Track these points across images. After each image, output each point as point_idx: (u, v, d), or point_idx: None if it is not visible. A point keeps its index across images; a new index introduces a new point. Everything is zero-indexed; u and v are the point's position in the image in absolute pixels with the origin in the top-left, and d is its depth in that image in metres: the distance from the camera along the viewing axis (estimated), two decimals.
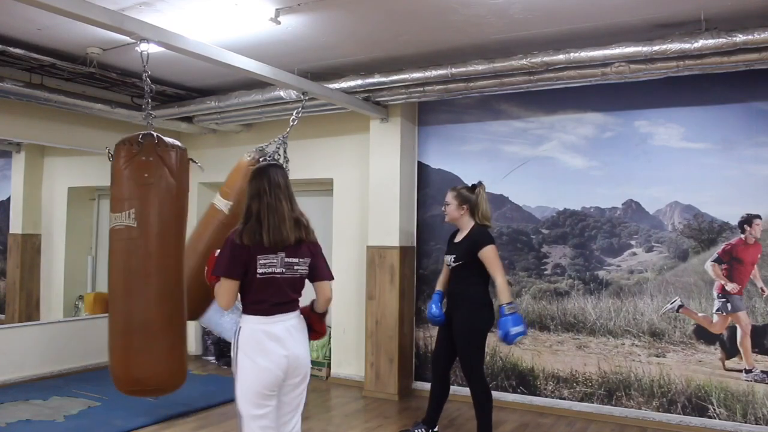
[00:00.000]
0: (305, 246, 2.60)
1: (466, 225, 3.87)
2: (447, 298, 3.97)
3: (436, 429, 3.97)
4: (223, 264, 2.49)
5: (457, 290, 3.86)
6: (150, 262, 2.78)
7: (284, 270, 2.53)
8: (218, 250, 2.57)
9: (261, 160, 3.63)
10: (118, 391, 2.85)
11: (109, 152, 2.89)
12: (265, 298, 2.51)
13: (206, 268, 2.61)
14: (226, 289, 2.48)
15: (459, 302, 3.84)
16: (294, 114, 4.17)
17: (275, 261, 2.50)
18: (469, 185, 3.96)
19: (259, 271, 2.47)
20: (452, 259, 3.85)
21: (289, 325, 2.55)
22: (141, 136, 2.83)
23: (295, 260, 2.56)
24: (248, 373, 2.49)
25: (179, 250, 2.91)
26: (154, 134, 2.86)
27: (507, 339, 3.58)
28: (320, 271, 2.68)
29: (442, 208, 3.99)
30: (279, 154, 3.92)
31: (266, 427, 2.52)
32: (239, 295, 2.54)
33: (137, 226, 2.76)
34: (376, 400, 4.99)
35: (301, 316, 2.66)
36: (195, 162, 3.07)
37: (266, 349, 2.48)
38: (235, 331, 2.55)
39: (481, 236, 3.78)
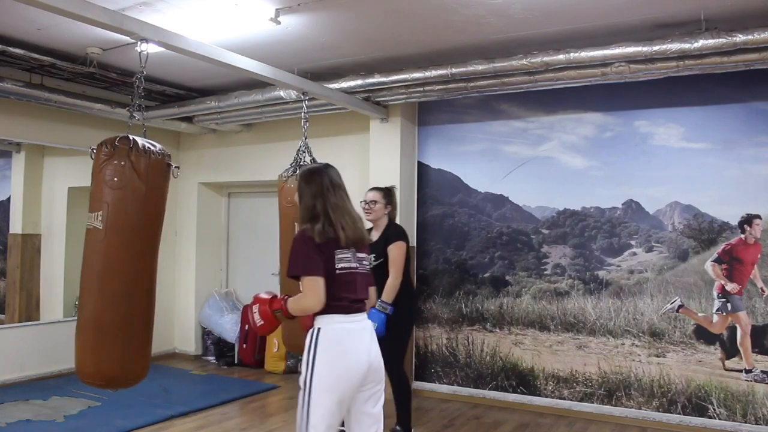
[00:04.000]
0: (366, 244, 2.54)
1: (382, 224, 3.95)
2: None
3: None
4: (301, 262, 2.32)
5: (380, 292, 3.80)
6: (109, 264, 2.81)
7: (358, 265, 2.43)
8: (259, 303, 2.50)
9: (296, 168, 3.78)
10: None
11: (92, 151, 2.92)
12: (345, 294, 2.36)
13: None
14: (310, 287, 2.29)
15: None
16: (303, 117, 4.18)
17: (349, 256, 2.40)
18: (385, 187, 4.05)
19: (338, 266, 2.35)
20: (373, 258, 3.77)
21: (365, 326, 2.43)
22: (118, 140, 2.85)
23: (364, 255, 2.49)
24: (327, 378, 2.28)
25: (147, 255, 2.93)
26: (131, 138, 2.87)
27: None
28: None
29: (365, 206, 3.92)
30: (307, 161, 4.01)
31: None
32: None
33: (102, 229, 2.79)
34: None
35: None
36: (174, 166, 3.04)
37: (347, 350, 2.31)
38: (311, 334, 2.36)
39: (394, 231, 3.88)
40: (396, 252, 3.79)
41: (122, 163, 2.81)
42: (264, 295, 2.53)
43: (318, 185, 2.45)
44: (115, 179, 2.81)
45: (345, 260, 2.37)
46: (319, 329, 2.34)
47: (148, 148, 2.89)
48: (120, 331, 2.80)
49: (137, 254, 2.87)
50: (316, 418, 2.26)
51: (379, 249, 3.82)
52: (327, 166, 2.57)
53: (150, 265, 2.94)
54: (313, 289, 2.29)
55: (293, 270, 2.34)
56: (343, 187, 2.51)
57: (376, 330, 3.23)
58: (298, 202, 2.50)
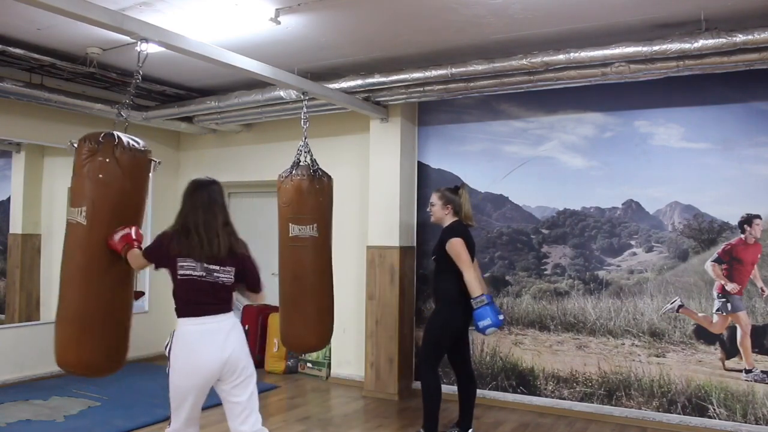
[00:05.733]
0: (229, 258, 2.73)
1: (446, 225, 3.98)
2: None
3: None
4: (150, 245, 2.75)
5: (434, 286, 3.99)
6: (94, 259, 2.85)
7: (204, 274, 2.66)
8: (125, 228, 2.83)
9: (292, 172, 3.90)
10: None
11: (71, 144, 2.91)
12: (191, 298, 2.66)
13: (117, 234, 2.81)
14: (139, 259, 2.77)
15: (435, 298, 4.02)
16: (303, 117, 4.18)
17: (194, 264, 2.65)
18: (452, 187, 4.07)
19: (179, 272, 2.65)
20: (432, 258, 4.03)
21: (221, 326, 2.68)
22: (102, 136, 2.85)
23: (216, 267, 2.69)
24: (179, 370, 2.63)
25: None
26: (115, 135, 2.87)
27: (480, 332, 3.66)
28: (249, 283, 2.86)
29: (428, 209, 4.07)
30: (307, 161, 4.03)
31: (190, 418, 2.68)
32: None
33: (86, 224, 2.82)
34: (376, 400, 4.99)
35: (236, 318, 2.79)
36: (156, 161, 3.05)
37: (195, 350, 2.62)
38: (172, 333, 2.70)
39: (449, 230, 3.89)
40: (453, 248, 3.79)
41: (107, 159, 2.82)
42: (135, 233, 2.86)
43: (194, 200, 2.72)
44: (100, 176, 2.82)
45: (187, 268, 2.64)
46: (174, 330, 2.69)
47: (133, 145, 2.91)
48: (103, 322, 2.87)
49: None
50: (175, 404, 2.67)
51: (435, 247, 3.96)
52: (212, 182, 2.81)
53: (127, 261, 2.96)
54: (137, 260, 2.77)
55: (146, 248, 2.76)
56: (219, 203, 2.75)
57: (485, 324, 3.57)
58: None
